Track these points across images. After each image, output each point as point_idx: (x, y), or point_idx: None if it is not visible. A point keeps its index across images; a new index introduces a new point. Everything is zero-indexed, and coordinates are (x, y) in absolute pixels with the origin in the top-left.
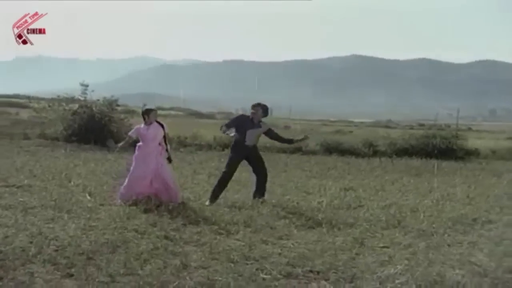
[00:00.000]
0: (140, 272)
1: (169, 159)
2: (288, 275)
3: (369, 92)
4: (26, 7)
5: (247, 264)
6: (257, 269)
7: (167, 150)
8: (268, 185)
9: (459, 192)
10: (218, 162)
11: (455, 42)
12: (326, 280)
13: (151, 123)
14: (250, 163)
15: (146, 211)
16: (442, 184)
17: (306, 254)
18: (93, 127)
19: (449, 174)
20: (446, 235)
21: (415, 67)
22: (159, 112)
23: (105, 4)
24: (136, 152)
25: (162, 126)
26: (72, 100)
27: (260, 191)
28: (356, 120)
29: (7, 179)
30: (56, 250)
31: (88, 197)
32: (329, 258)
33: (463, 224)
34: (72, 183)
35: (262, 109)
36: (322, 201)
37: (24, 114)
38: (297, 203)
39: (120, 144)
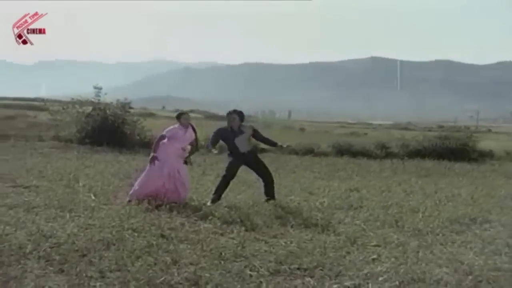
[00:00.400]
0: (130, 268)
1: (186, 162)
2: (275, 272)
3: (388, 94)
4: (44, 8)
5: (236, 261)
6: (245, 266)
7: (193, 152)
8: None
9: (464, 193)
10: (226, 164)
11: (475, 43)
12: (311, 277)
13: (187, 127)
14: (252, 169)
15: (146, 210)
16: (449, 185)
17: (296, 252)
18: (106, 129)
19: (459, 176)
20: (440, 234)
21: (434, 69)
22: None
23: (125, 7)
24: (159, 151)
25: (194, 131)
26: (86, 102)
27: (268, 194)
28: (374, 123)
29: (16, 180)
30: (52, 247)
31: (93, 197)
32: (318, 256)
33: (460, 224)
34: (79, 183)
35: (238, 115)
36: (324, 202)
37: (42, 117)
38: (298, 203)
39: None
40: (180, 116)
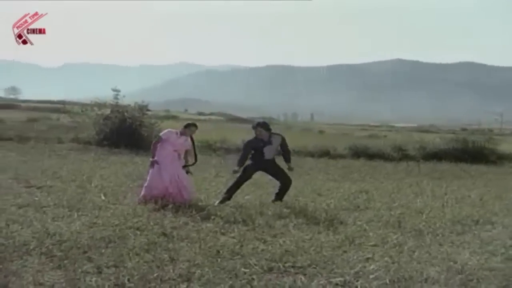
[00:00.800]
0: (127, 264)
1: (188, 171)
2: (269, 270)
3: (413, 97)
4: (69, 10)
5: (232, 259)
6: (240, 264)
7: (192, 163)
8: None
9: (474, 195)
10: None
11: (500, 45)
12: (303, 274)
13: (184, 135)
14: (269, 174)
15: (152, 210)
16: (461, 187)
17: (292, 250)
18: (124, 131)
19: (474, 178)
20: (440, 235)
21: (459, 70)
22: (200, 117)
23: (149, 10)
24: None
25: (193, 142)
26: (104, 105)
27: (278, 195)
28: (397, 125)
29: (30, 180)
30: (54, 244)
31: (103, 197)
32: (313, 254)
33: (462, 225)
34: (92, 184)
35: (262, 127)
36: (330, 203)
37: (65, 119)
38: (305, 204)
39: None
40: (188, 127)
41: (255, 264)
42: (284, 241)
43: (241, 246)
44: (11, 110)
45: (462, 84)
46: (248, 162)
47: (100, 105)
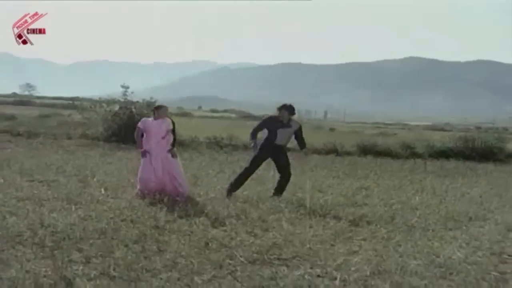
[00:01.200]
0: (115, 255)
1: (172, 152)
2: (254, 261)
3: (428, 95)
4: (83, 9)
5: (219, 251)
6: (226, 256)
7: (173, 144)
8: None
9: (475, 193)
10: (246, 161)
11: None
12: (287, 266)
13: (162, 118)
14: (276, 162)
15: (149, 204)
16: (464, 185)
17: (280, 243)
18: (132, 127)
19: (479, 176)
20: (431, 230)
21: (475, 69)
22: (213, 114)
23: (161, 8)
24: (147, 144)
25: (173, 123)
26: (113, 101)
27: (278, 190)
28: (412, 123)
29: (34, 175)
30: (47, 235)
31: (102, 191)
32: (299, 247)
33: (456, 221)
34: (94, 179)
35: (287, 110)
36: (328, 199)
37: (76, 116)
38: (303, 199)
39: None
40: (158, 109)
41: (241, 256)
42: (273, 235)
43: (231, 239)
44: (25, 106)
45: (479, 83)
46: (256, 152)
47: (109, 102)
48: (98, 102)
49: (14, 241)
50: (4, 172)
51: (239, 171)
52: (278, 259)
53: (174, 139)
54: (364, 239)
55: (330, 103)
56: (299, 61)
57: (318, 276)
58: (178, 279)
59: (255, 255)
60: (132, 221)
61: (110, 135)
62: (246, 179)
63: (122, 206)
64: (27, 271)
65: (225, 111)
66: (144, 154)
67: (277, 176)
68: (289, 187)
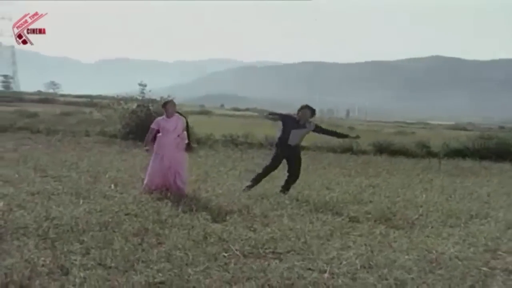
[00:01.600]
0: (113, 247)
1: (189, 147)
2: (248, 255)
3: (451, 94)
4: (104, 8)
5: (216, 244)
6: (223, 249)
7: (189, 141)
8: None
9: (483, 191)
10: (260, 159)
11: None
12: (280, 260)
13: (171, 115)
14: (288, 161)
15: (156, 199)
16: (474, 183)
17: (277, 238)
18: (149, 125)
19: (493, 175)
20: (430, 227)
21: (499, 68)
22: (235, 112)
23: (185, 7)
24: (155, 144)
25: (184, 118)
26: (131, 99)
27: (285, 187)
28: (434, 122)
29: (48, 171)
30: (51, 227)
31: (112, 187)
32: (295, 242)
33: (457, 219)
34: (107, 175)
35: (310, 110)
36: (334, 196)
37: (97, 113)
38: (309, 196)
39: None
40: (166, 105)
41: (236, 250)
42: (272, 230)
43: (230, 233)
44: (48, 104)
45: (503, 82)
46: (275, 151)
47: (127, 100)
48: (116, 100)
49: (18, 233)
50: (19, 167)
51: (252, 168)
52: (273, 252)
53: (189, 137)
54: (361, 235)
55: (352, 102)
56: (322, 60)
57: (309, 269)
58: (169, 270)
59: (250, 248)
60: (136, 215)
61: (128, 133)
62: (265, 176)
63: (128, 201)
64: (26, 260)
65: (247, 109)
66: (149, 151)
67: (286, 174)
68: (298, 184)
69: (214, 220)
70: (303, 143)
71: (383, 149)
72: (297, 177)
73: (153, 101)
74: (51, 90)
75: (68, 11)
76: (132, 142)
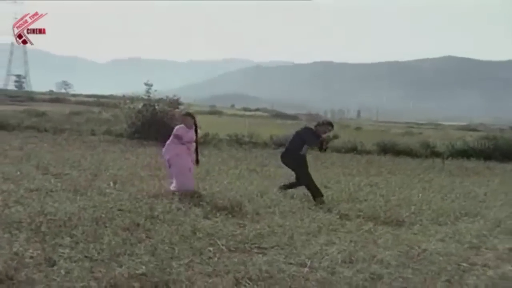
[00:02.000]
0: (102, 240)
1: (197, 161)
2: (234, 250)
3: (464, 95)
4: (119, 7)
5: (204, 239)
6: (210, 244)
7: (196, 152)
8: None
9: (481, 191)
10: (263, 158)
11: None
12: (263, 254)
13: (191, 128)
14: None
15: (152, 196)
16: (474, 183)
17: (264, 234)
18: (155, 124)
19: (495, 175)
20: (418, 225)
21: (511, 68)
22: (245, 112)
23: (196, 7)
24: (174, 151)
25: (196, 131)
26: (136, 99)
27: (287, 186)
28: (446, 123)
29: (49, 168)
30: (44, 222)
31: (111, 184)
32: (281, 238)
33: (447, 217)
34: (108, 173)
35: (331, 126)
36: (329, 195)
37: (106, 113)
38: (305, 194)
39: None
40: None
41: (223, 245)
42: (261, 226)
43: (219, 229)
44: (59, 103)
45: None
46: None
47: (133, 99)
48: (123, 100)
49: (12, 227)
50: (22, 165)
51: (253, 167)
52: (258, 247)
53: (197, 146)
54: (348, 232)
55: (364, 103)
56: (333, 60)
57: (290, 263)
58: (153, 263)
59: (236, 243)
60: (129, 211)
61: (134, 132)
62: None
63: (124, 198)
64: (15, 253)
65: (257, 109)
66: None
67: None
68: None
69: (206, 217)
70: None
71: (388, 149)
72: (302, 184)
73: (158, 100)
74: (63, 90)
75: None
76: (137, 141)
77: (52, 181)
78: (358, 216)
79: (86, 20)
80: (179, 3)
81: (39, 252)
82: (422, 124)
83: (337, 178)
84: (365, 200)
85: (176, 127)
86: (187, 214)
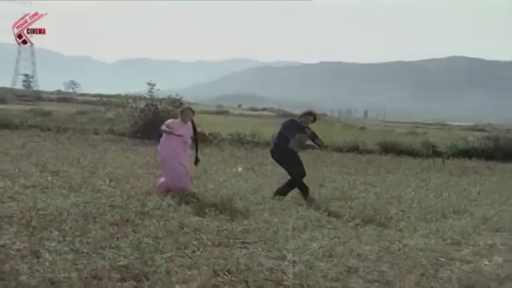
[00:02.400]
0: (89, 235)
1: (196, 160)
2: (218, 244)
3: (472, 95)
4: (125, 8)
5: (189, 234)
6: (195, 239)
7: (196, 151)
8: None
9: (475, 189)
10: (263, 158)
11: None
12: (246, 248)
13: (186, 122)
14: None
15: (145, 192)
16: (470, 182)
17: (249, 229)
18: (157, 124)
19: (494, 175)
20: (405, 221)
21: None
22: (252, 112)
23: (203, 7)
24: (170, 147)
25: (194, 128)
26: (139, 98)
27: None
28: (453, 123)
29: (48, 166)
30: (35, 217)
31: (107, 182)
32: (267, 233)
33: (436, 214)
34: (106, 171)
35: (313, 116)
36: (322, 193)
37: (111, 112)
38: (298, 192)
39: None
40: (182, 112)
41: (208, 239)
42: (248, 222)
43: (206, 225)
44: (66, 103)
45: None
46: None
47: (135, 99)
48: (125, 99)
49: (3, 221)
50: (21, 163)
51: (252, 167)
52: (242, 242)
53: (197, 144)
54: (334, 228)
55: (371, 103)
56: (340, 60)
57: (270, 257)
58: (132, 254)
59: (221, 238)
60: (120, 207)
61: (136, 131)
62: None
63: (117, 194)
64: (2, 245)
65: (264, 109)
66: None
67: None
68: None
69: (195, 213)
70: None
71: (389, 149)
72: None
73: (161, 100)
74: (70, 90)
75: (88, 11)
76: (139, 141)
77: (49, 178)
78: (347, 214)
79: (95, 21)
80: (187, 4)
81: (25, 245)
82: (428, 124)
83: (333, 177)
84: (357, 198)
85: (167, 121)
86: (176, 210)
